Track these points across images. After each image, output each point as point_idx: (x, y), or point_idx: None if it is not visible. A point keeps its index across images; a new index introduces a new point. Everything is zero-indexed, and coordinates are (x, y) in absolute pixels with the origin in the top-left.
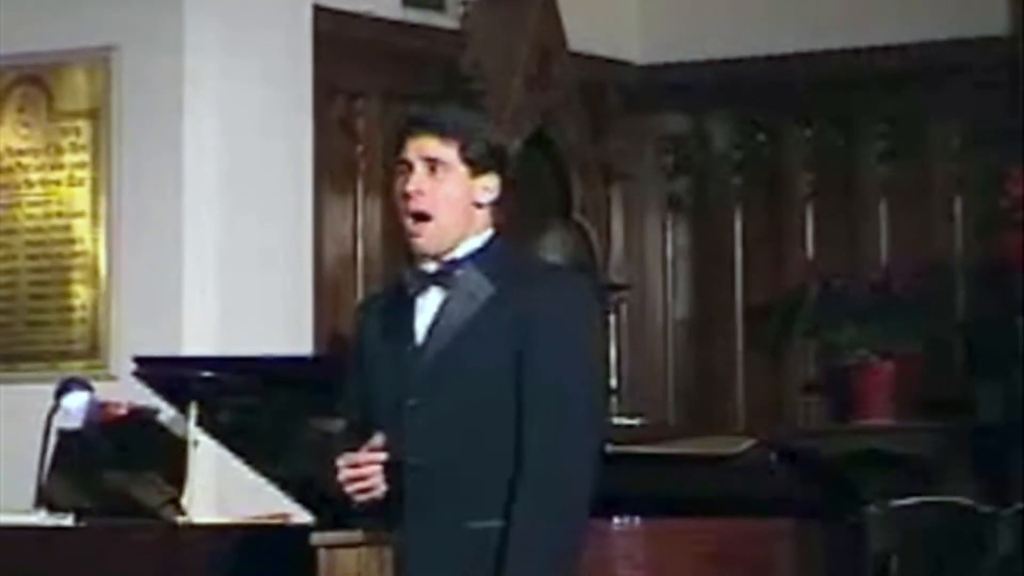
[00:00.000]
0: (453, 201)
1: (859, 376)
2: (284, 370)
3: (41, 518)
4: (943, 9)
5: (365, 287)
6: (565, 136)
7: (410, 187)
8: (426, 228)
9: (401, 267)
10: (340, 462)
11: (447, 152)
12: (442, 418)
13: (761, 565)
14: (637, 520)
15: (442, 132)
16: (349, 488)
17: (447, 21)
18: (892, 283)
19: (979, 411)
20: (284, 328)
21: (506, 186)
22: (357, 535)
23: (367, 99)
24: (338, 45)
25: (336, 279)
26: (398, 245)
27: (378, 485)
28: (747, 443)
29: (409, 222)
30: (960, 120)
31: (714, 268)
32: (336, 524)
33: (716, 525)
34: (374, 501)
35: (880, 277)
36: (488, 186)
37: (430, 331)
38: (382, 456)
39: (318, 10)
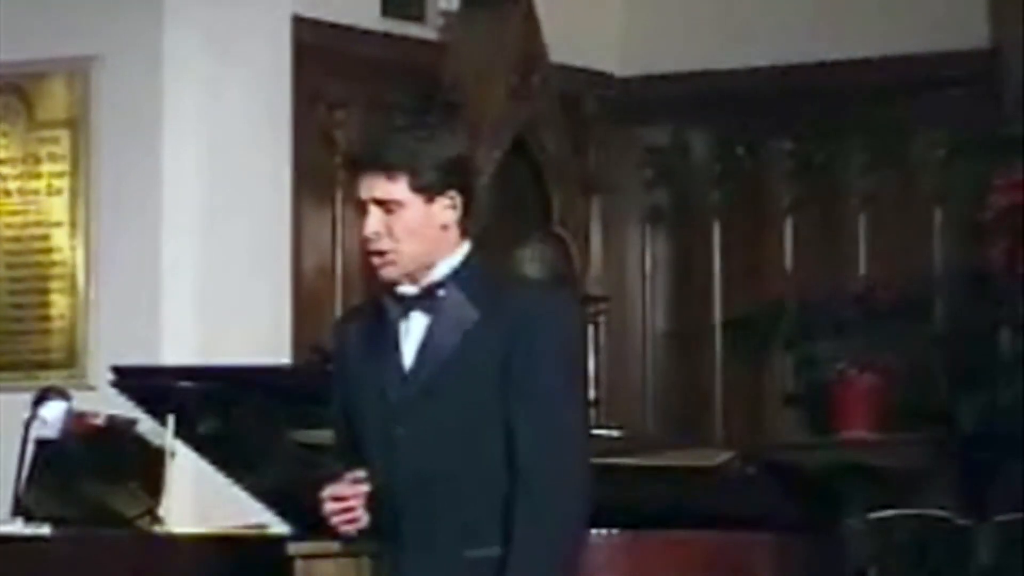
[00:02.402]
0: (413, 233)
1: (838, 389)
2: (263, 380)
3: (18, 528)
4: (924, 21)
5: (344, 297)
6: (545, 147)
7: (367, 231)
8: (388, 259)
9: (379, 292)
10: (324, 494)
11: (397, 189)
12: (431, 445)
13: None
14: (616, 532)
15: (387, 169)
16: (334, 520)
17: (427, 32)
18: (871, 295)
19: (958, 424)
20: (263, 338)
21: (470, 193)
22: (334, 545)
23: (347, 109)
24: (318, 55)
25: (315, 289)
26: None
27: (362, 517)
28: (726, 455)
29: (372, 257)
30: (941, 132)
31: (693, 280)
32: (313, 534)
33: (696, 537)
34: (359, 532)
35: (860, 290)
36: (448, 204)
37: (417, 359)
38: (365, 488)
39: (298, 20)
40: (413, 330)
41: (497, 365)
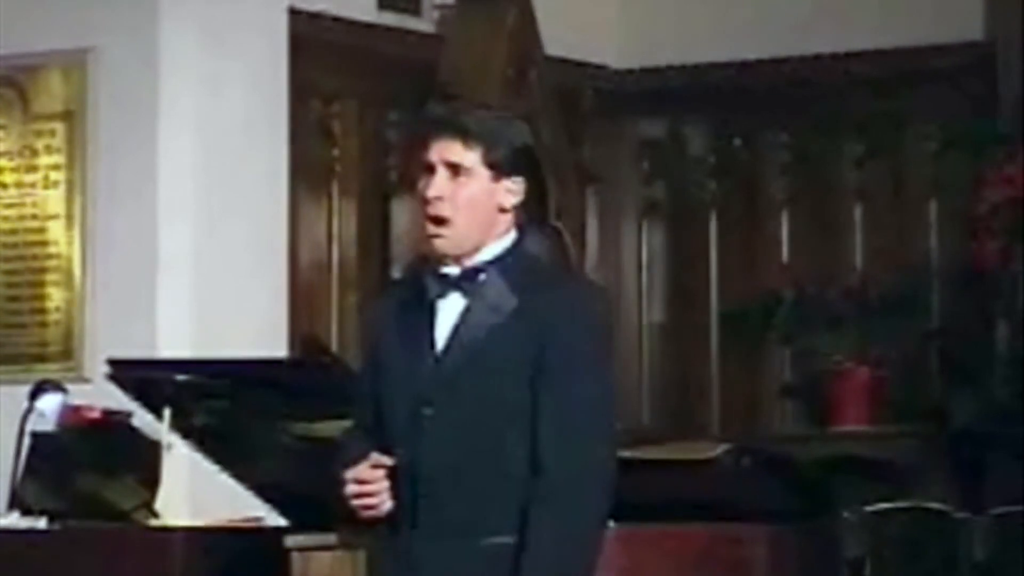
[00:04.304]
0: (474, 205)
1: (834, 382)
2: (259, 373)
3: (14, 521)
4: (919, 14)
5: (340, 290)
6: (541, 140)
7: (430, 192)
8: (444, 231)
9: (423, 268)
10: (347, 476)
11: (470, 157)
12: (458, 429)
13: (736, 570)
14: (612, 525)
15: (465, 136)
16: (355, 503)
17: (423, 25)
18: (866, 288)
19: (953, 417)
20: (259, 331)
21: (533, 186)
22: (331, 538)
23: (343, 102)
24: (314, 48)
25: (311, 282)
26: (373, 248)
27: (384, 502)
28: (721, 448)
29: (428, 224)
30: (935, 125)
31: (689, 273)
32: (310, 527)
33: (691, 530)
34: (379, 516)
35: (855, 283)
36: (512, 189)
37: (450, 340)
38: (385, 471)
39: (294, 13)
40: (449, 311)
41: (528, 358)
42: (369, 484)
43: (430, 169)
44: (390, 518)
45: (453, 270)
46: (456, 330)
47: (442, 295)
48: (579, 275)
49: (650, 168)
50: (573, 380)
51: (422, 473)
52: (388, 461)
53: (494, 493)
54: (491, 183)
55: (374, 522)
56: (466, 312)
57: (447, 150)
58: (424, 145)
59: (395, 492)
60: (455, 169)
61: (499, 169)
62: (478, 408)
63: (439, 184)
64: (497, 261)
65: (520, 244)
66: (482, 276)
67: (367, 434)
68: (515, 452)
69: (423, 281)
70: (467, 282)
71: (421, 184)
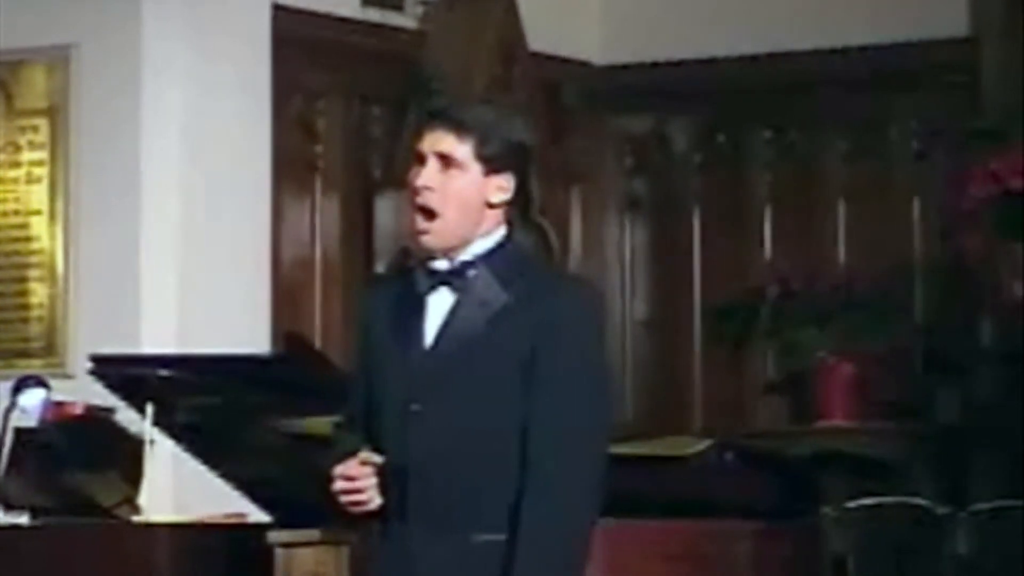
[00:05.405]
0: (463, 199)
1: (818, 377)
2: (242, 369)
3: None
4: (904, 11)
5: (323, 286)
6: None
7: (419, 182)
8: (432, 225)
9: (411, 262)
10: (335, 472)
11: (462, 149)
12: (446, 425)
13: (720, 566)
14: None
15: (459, 128)
16: (343, 499)
17: (406, 21)
18: (852, 284)
19: (937, 413)
20: (242, 327)
21: (524, 184)
22: (314, 534)
23: (326, 99)
24: (297, 44)
25: (294, 279)
26: (357, 245)
27: (373, 498)
28: (705, 443)
29: (416, 218)
30: (920, 121)
31: (673, 269)
32: (293, 523)
33: (675, 526)
34: (369, 513)
35: (840, 278)
36: (503, 185)
37: (439, 335)
38: (374, 467)
39: (277, 9)
40: (439, 306)
41: (519, 355)
42: (357, 480)
43: (421, 159)
44: (379, 514)
45: (442, 264)
46: (445, 326)
47: (432, 290)
48: (574, 274)
49: (634, 164)
50: (565, 384)
51: (411, 469)
52: (377, 458)
53: (484, 489)
54: (482, 178)
55: (363, 519)
56: (455, 308)
57: (440, 141)
58: (419, 135)
59: (384, 488)
60: (446, 161)
61: (491, 164)
62: (467, 404)
63: (429, 175)
64: (487, 257)
65: (510, 240)
66: (471, 272)
67: (358, 429)
68: (504, 448)
69: (413, 276)
70: (456, 277)
71: (411, 174)
